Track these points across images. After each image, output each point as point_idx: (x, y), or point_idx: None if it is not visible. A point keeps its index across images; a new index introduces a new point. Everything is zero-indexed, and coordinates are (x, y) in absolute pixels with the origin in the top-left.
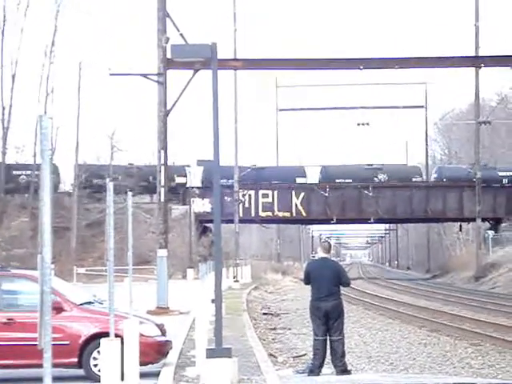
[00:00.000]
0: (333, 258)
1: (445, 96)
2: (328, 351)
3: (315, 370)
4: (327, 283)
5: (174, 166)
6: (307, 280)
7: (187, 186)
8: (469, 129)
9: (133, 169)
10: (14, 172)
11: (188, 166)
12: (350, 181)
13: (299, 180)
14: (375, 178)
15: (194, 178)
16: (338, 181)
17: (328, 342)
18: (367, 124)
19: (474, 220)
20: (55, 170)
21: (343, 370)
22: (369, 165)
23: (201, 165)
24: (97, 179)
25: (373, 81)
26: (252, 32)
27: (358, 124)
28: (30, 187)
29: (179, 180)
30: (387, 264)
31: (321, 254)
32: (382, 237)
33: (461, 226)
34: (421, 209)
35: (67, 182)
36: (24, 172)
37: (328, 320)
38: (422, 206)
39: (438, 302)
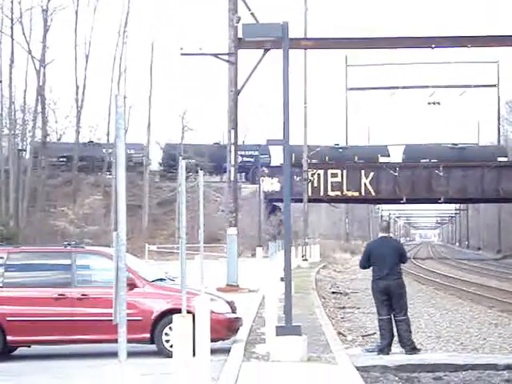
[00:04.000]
0: (399, 238)
1: None
2: (395, 331)
3: (384, 349)
4: (389, 261)
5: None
6: (366, 260)
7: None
8: None
9: (203, 148)
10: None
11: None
12: (435, 161)
13: (382, 159)
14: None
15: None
16: (422, 161)
17: (394, 323)
18: (438, 103)
19: None
20: (145, 149)
21: (412, 348)
22: (454, 144)
23: (273, 144)
24: (171, 159)
25: (444, 59)
26: (322, 11)
27: (429, 103)
28: (103, 165)
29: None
30: (457, 244)
31: (380, 233)
32: (452, 217)
33: None
34: (492, 188)
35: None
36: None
37: (391, 299)
38: (494, 186)
39: (508, 282)
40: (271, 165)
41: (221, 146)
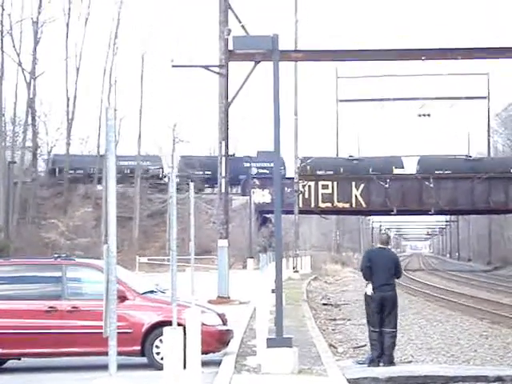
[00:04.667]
0: (391, 249)
1: (508, 86)
2: None
3: (375, 360)
4: (384, 273)
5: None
6: (367, 267)
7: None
8: None
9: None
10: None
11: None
12: (449, 172)
13: (396, 171)
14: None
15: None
16: (436, 172)
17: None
18: (428, 115)
19: None
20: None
21: (390, 361)
22: (468, 156)
23: (263, 156)
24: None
25: (434, 71)
26: (312, 22)
27: (419, 115)
28: (94, 178)
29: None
30: (448, 255)
31: (379, 245)
32: (442, 228)
33: None
34: (482, 200)
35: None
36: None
37: (382, 311)
38: (484, 198)
39: (499, 293)
40: (286, 176)
41: (235, 158)
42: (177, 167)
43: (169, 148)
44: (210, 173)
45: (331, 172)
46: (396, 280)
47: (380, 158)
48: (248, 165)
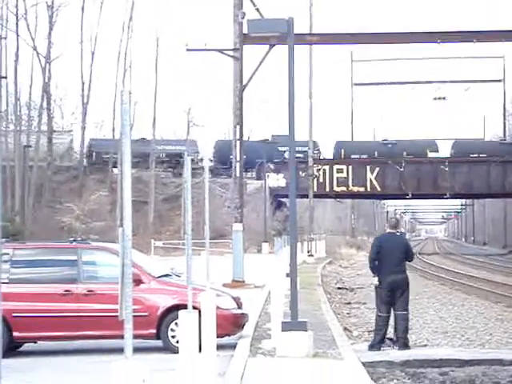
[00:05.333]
0: (406, 233)
1: None
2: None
3: (376, 345)
4: (396, 257)
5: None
6: (376, 253)
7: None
8: None
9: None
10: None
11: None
12: (484, 155)
13: (431, 154)
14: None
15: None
16: (471, 156)
17: (392, 317)
18: (444, 98)
19: None
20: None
21: (405, 344)
22: (502, 139)
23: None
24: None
25: (449, 54)
26: (327, 6)
27: (435, 98)
28: (109, 162)
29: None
30: (463, 239)
31: (388, 229)
32: (458, 212)
33: None
34: (498, 184)
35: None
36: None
37: (393, 295)
38: (500, 181)
39: None
40: (321, 158)
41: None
42: (213, 151)
43: (184, 132)
44: (244, 157)
45: (365, 156)
46: (410, 263)
47: (414, 141)
48: (284, 149)
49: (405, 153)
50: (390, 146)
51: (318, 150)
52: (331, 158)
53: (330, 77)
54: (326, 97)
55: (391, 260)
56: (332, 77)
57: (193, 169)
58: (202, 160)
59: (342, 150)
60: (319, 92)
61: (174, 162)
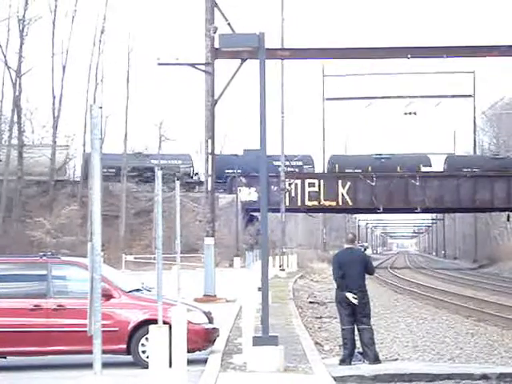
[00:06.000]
0: (367, 247)
1: (494, 85)
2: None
3: (346, 359)
4: (354, 272)
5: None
6: (339, 269)
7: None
8: None
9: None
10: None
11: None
12: (477, 170)
13: (424, 169)
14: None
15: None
16: (464, 170)
17: (357, 332)
18: (414, 113)
19: None
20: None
21: (376, 358)
22: (495, 155)
23: (250, 154)
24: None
25: (420, 69)
26: (298, 21)
27: (405, 113)
28: (109, 176)
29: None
30: (434, 253)
31: (345, 244)
32: (428, 226)
33: (509, 215)
34: (468, 198)
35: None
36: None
37: (354, 309)
38: (470, 196)
39: (485, 291)
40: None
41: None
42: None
43: (155, 146)
44: (239, 170)
45: (359, 170)
46: (382, 277)
47: (407, 155)
48: (278, 163)
49: (398, 167)
50: (383, 160)
51: (312, 164)
52: (324, 172)
53: (302, 91)
54: (298, 111)
55: (351, 275)
56: (304, 91)
57: (187, 183)
58: (196, 174)
59: (336, 165)
60: (291, 106)
61: (169, 175)
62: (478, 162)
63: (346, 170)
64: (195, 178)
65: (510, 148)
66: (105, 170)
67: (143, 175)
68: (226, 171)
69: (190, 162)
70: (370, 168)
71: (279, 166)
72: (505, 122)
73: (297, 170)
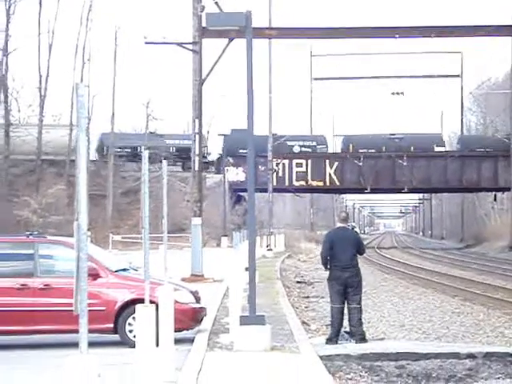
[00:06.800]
0: (355, 226)
1: (481, 65)
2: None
3: (333, 338)
4: (347, 251)
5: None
6: (328, 250)
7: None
8: (505, 98)
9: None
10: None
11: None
12: (491, 150)
13: (437, 149)
14: None
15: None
16: (478, 150)
17: (346, 311)
18: (402, 93)
19: (508, 190)
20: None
21: (361, 338)
22: (507, 135)
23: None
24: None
25: (408, 49)
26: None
27: (393, 93)
28: (123, 156)
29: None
30: (421, 234)
31: (338, 223)
32: (416, 206)
33: (495, 195)
34: (455, 178)
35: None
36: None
37: (346, 288)
38: (457, 176)
39: (471, 271)
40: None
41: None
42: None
43: (143, 126)
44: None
45: (373, 150)
46: (369, 257)
47: (421, 135)
48: (291, 143)
49: (412, 147)
50: (397, 140)
51: (326, 144)
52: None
53: (290, 71)
54: (286, 91)
55: (343, 254)
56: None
57: (204, 163)
58: (210, 154)
59: (351, 145)
60: (279, 86)
61: (183, 156)
62: (492, 142)
63: (360, 151)
64: (208, 157)
65: (497, 128)
66: (119, 150)
67: (158, 155)
68: (240, 151)
69: (204, 142)
70: (384, 148)
71: (293, 146)
72: (492, 102)
73: (310, 150)
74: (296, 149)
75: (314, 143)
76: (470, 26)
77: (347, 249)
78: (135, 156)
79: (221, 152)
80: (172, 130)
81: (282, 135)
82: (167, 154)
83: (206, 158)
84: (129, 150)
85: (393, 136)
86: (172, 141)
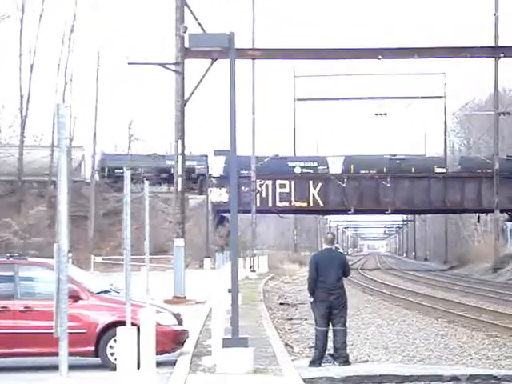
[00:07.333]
0: (339, 248)
1: (464, 86)
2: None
3: (316, 361)
4: (333, 274)
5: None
6: (316, 272)
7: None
8: (488, 119)
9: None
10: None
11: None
12: (489, 171)
13: (438, 170)
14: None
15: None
16: (478, 171)
17: (332, 333)
18: (385, 114)
19: (492, 211)
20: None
21: (345, 360)
22: (508, 156)
23: (220, 155)
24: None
25: (391, 70)
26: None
27: (376, 114)
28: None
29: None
30: (404, 255)
31: (325, 245)
32: (399, 227)
33: (479, 217)
34: (439, 200)
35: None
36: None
37: (331, 311)
38: (440, 197)
39: (455, 293)
40: (330, 173)
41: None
42: (223, 166)
43: (125, 146)
44: (246, 172)
45: (374, 171)
46: (352, 279)
47: (422, 156)
48: (293, 164)
49: (413, 168)
50: (398, 161)
51: (327, 165)
52: (339, 172)
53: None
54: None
55: (329, 277)
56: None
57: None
58: (211, 175)
59: (352, 165)
60: (262, 107)
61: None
62: (492, 164)
63: (361, 171)
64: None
65: (479, 149)
66: (121, 171)
67: (159, 176)
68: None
69: (205, 163)
70: (385, 169)
71: (294, 167)
72: (475, 124)
73: (311, 171)
74: (297, 170)
75: (316, 164)
76: (454, 47)
77: (333, 271)
78: (137, 177)
79: (222, 173)
80: (155, 150)
81: (284, 156)
82: (167, 176)
83: (211, 177)
84: (130, 171)
85: (394, 157)
86: (172, 162)
